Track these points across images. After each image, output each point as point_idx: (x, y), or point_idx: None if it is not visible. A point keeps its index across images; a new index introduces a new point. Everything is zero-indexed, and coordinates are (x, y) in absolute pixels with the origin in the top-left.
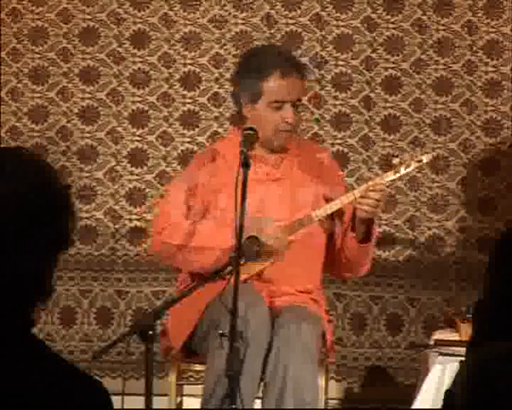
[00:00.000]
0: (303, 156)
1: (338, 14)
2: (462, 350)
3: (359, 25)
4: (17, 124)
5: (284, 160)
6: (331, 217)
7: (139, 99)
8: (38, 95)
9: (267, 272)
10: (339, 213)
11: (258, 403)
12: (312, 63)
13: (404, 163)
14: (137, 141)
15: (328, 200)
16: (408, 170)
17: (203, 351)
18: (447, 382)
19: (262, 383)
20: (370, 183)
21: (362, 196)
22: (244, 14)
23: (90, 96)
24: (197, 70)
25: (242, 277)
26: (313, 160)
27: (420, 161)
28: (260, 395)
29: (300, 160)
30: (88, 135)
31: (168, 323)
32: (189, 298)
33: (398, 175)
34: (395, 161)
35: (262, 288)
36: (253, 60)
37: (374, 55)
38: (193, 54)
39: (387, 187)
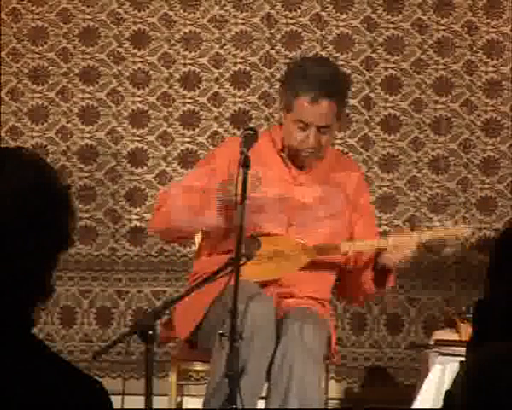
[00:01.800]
0: (334, 171)
1: (338, 14)
2: (462, 350)
3: (359, 25)
4: (17, 124)
5: (314, 169)
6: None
7: (139, 99)
8: (38, 95)
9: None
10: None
11: (261, 403)
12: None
13: (444, 229)
14: (137, 141)
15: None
16: (444, 237)
17: (207, 347)
18: (447, 382)
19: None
20: (406, 237)
21: (394, 247)
22: (244, 14)
23: (90, 96)
24: (197, 70)
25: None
26: (343, 177)
27: (460, 232)
28: (263, 395)
29: (330, 173)
30: (88, 135)
31: (173, 313)
32: (199, 291)
33: (435, 237)
34: (438, 225)
35: (272, 289)
36: (293, 74)
37: (374, 55)
38: (193, 54)
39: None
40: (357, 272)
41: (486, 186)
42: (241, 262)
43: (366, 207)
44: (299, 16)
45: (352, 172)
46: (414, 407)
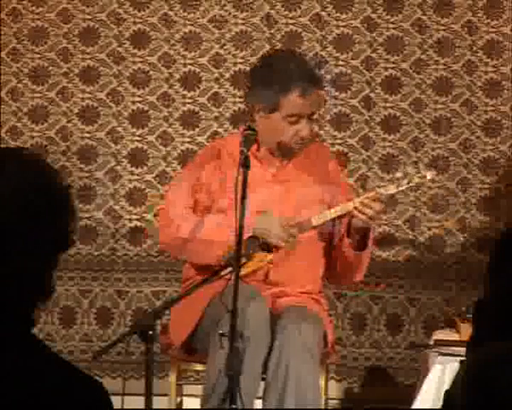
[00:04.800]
0: (309, 160)
1: (338, 14)
2: (462, 350)
3: (359, 25)
4: (17, 124)
5: (290, 163)
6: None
7: (139, 99)
8: (38, 95)
9: (269, 274)
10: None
11: (258, 403)
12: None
13: (406, 177)
14: (137, 141)
15: (329, 206)
16: (410, 185)
17: (204, 349)
18: (447, 382)
19: (263, 383)
20: (371, 193)
21: (361, 205)
22: (244, 14)
23: (90, 96)
24: (197, 70)
25: (244, 271)
26: (319, 163)
27: (423, 177)
28: (261, 394)
29: (306, 163)
30: (88, 135)
31: (169, 320)
32: (191, 296)
33: (400, 189)
34: (398, 174)
35: (264, 289)
36: (274, 71)
37: (374, 55)
38: (193, 54)
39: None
40: (338, 245)
41: (486, 186)
42: (241, 262)
43: (345, 191)
44: (299, 16)
45: (326, 153)
46: (414, 407)
